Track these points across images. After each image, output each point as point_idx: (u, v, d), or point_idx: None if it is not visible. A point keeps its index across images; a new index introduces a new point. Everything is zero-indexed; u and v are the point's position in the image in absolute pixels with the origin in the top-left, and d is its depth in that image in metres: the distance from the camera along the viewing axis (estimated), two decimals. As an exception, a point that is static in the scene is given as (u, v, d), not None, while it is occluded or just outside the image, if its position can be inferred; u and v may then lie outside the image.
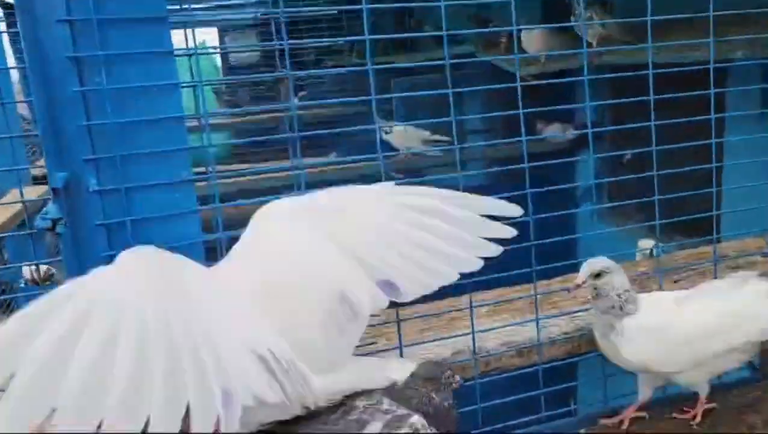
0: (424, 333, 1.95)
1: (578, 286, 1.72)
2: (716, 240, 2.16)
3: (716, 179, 2.14)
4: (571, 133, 5.56)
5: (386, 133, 5.32)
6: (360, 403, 1.35)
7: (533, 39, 4.67)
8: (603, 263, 1.73)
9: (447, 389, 1.47)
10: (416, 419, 1.36)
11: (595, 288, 1.71)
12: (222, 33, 8.46)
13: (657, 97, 1.98)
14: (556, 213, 1.94)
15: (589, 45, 4.53)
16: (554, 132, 5.40)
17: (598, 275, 1.71)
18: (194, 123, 1.72)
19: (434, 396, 1.44)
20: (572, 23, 4.22)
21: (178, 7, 1.67)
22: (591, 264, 1.73)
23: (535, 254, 1.92)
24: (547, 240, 1.92)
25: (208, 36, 7.96)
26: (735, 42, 2.47)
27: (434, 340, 1.88)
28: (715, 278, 2.08)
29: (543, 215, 1.90)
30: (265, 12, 7.15)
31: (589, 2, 4.50)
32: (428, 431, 1.36)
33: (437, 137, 5.25)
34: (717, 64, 2.06)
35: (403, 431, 1.33)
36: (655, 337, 1.70)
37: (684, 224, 2.25)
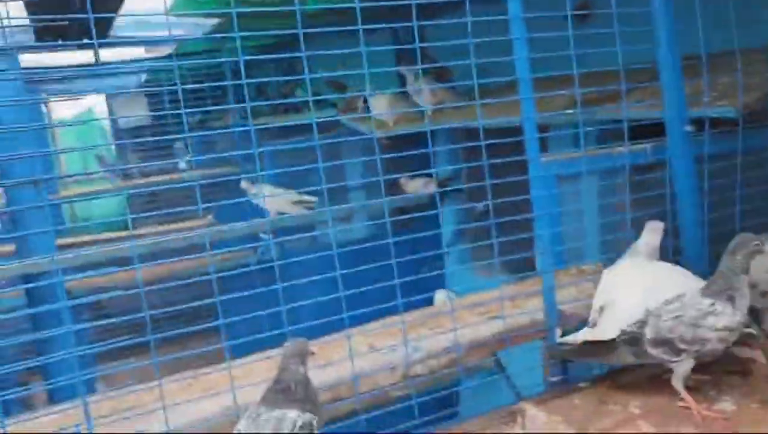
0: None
1: None
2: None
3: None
4: (432, 185, 6.02)
5: (255, 195, 5.48)
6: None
7: (378, 102, 5.10)
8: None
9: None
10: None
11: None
12: (109, 100, 8.46)
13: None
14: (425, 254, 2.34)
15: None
16: (417, 187, 5.83)
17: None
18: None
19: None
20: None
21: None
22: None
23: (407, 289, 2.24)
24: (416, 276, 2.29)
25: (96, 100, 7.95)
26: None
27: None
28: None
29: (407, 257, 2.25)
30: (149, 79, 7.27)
31: (428, 72, 5.02)
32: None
33: (305, 197, 5.47)
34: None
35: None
36: None
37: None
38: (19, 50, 3.86)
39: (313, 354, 1.83)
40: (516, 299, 2.55)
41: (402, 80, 5.28)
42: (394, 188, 6.01)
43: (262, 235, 5.46)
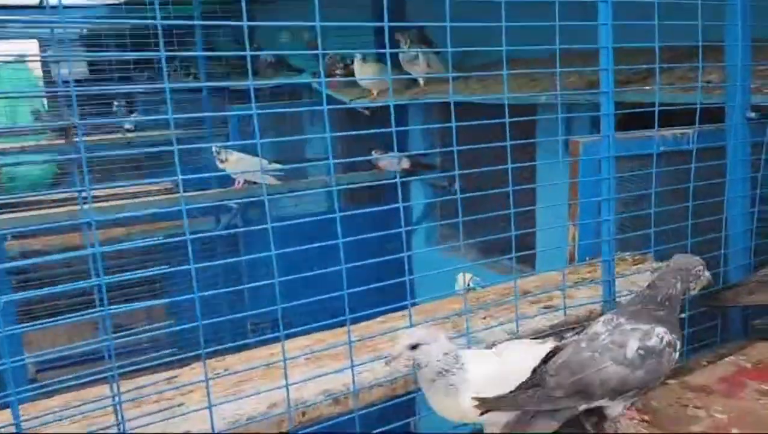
0: (241, 385, 1.84)
1: (395, 358, 1.67)
2: (516, 280, 2.26)
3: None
4: (405, 161, 5.79)
5: (222, 161, 5.07)
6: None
7: (365, 70, 4.77)
8: (418, 335, 1.66)
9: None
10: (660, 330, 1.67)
11: (413, 359, 1.65)
12: (43, 46, 7.56)
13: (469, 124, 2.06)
14: (392, 231, 2.00)
15: (416, 81, 4.77)
16: (390, 160, 5.58)
17: (414, 347, 1.64)
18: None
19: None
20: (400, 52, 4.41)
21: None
22: (407, 336, 1.67)
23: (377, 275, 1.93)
24: (387, 258, 1.96)
25: (29, 46, 7.09)
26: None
27: (249, 395, 1.77)
28: (516, 313, 2.16)
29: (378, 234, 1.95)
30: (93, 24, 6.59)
31: (415, 40, 4.72)
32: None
33: (276, 165, 5.11)
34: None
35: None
36: (491, 385, 1.68)
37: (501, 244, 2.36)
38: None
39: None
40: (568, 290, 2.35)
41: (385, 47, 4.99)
42: (366, 162, 5.75)
43: (230, 204, 5.06)
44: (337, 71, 5.30)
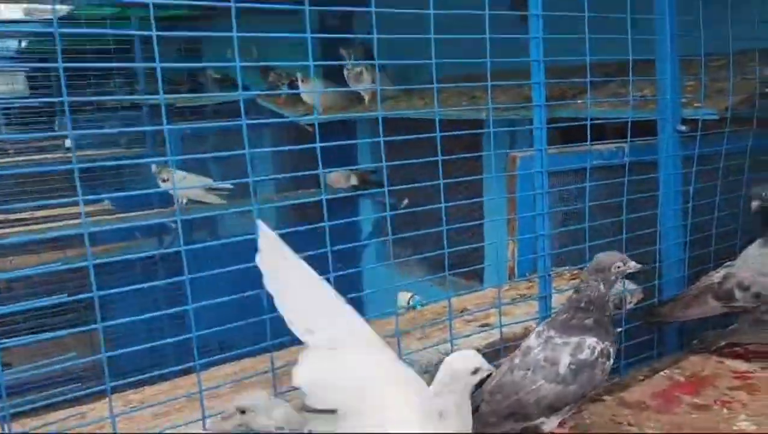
0: (158, 419, 1.74)
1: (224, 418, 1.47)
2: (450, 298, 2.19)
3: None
4: (353, 177, 5.74)
5: (163, 180, 4.93)
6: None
7: (311, 87, 4.73)
8: (249, 401, 1.47)
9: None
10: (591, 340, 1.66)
11: (240, 424, 1.45)
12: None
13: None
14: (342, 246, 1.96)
15: (362, 98, 4.75)
16: (337, 178, 5.52)
17: (243, 412, 1.45)
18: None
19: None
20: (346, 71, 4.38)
21: None
22: (236, 402, 1.47)
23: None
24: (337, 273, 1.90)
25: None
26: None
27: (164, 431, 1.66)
28: (450, 333, 2.10)
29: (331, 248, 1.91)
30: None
31: (360, 56, 4.70)
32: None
33: (220, 184, 5.00)
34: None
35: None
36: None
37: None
38: None
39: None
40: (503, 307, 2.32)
41: (328, 70, 4.94)
42: (313, 179, 5.67)
43: (170, 223, 4.91)
44: (283, 87, 5.23)
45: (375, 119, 2.08)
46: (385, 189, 2.02)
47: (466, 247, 2.20)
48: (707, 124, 2.55)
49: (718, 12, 2.46)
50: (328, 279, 1.80)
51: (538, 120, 2.14)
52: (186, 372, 1.85)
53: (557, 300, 2.29)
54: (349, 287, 1.93)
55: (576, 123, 2.32)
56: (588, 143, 2.25)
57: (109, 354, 1.53)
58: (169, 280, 1.73)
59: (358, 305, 1.92)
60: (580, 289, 1.76)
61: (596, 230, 2.55)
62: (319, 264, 1.84)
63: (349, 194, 5.36)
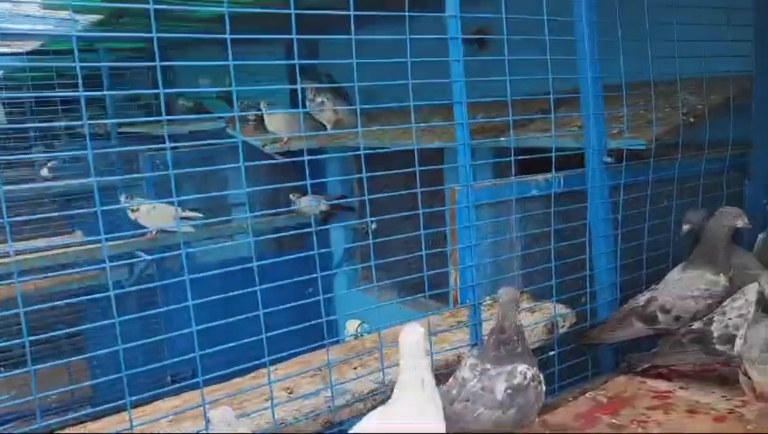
0: None
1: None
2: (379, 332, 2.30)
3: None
4: (324, 204, 5.84)
5: (133, 211, 5.02)
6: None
7: (275, 120, 4.88)
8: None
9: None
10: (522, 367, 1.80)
11: None
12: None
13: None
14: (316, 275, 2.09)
15: (324, 127, 4.88)
16: (308, 204, 5.62)
17: None
18: None
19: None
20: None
21: None
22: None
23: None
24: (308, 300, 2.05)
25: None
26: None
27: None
28: (382, 361, 2.22)
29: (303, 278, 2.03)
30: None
31: (323, 90, 4.85)
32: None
33: (189, 213, 5.07)
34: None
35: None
36: None
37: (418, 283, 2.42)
38: None
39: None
40: (440, 334, 2.42)
41: (294, 98, 5.06)
42: (284, 205, 5.77)
43: (139, 253, 4.99)
44: (250, 117, 5.34)
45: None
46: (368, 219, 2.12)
47: (420, 274, 2.30)
48: (635, 153, 2.68)
49: (641, 46, 2.59)
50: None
51: (462, 158, 2.26)
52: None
53: (488, 328, 2.39)
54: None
55: (501, 159, 2.44)
56: (512, 175, 2.37)
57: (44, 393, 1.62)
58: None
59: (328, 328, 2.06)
60: (500, 321, 1.86)
61: (534, 257, 2.67)
62: (291, 291, 2.01)
63: (323, 227, 5.50)
